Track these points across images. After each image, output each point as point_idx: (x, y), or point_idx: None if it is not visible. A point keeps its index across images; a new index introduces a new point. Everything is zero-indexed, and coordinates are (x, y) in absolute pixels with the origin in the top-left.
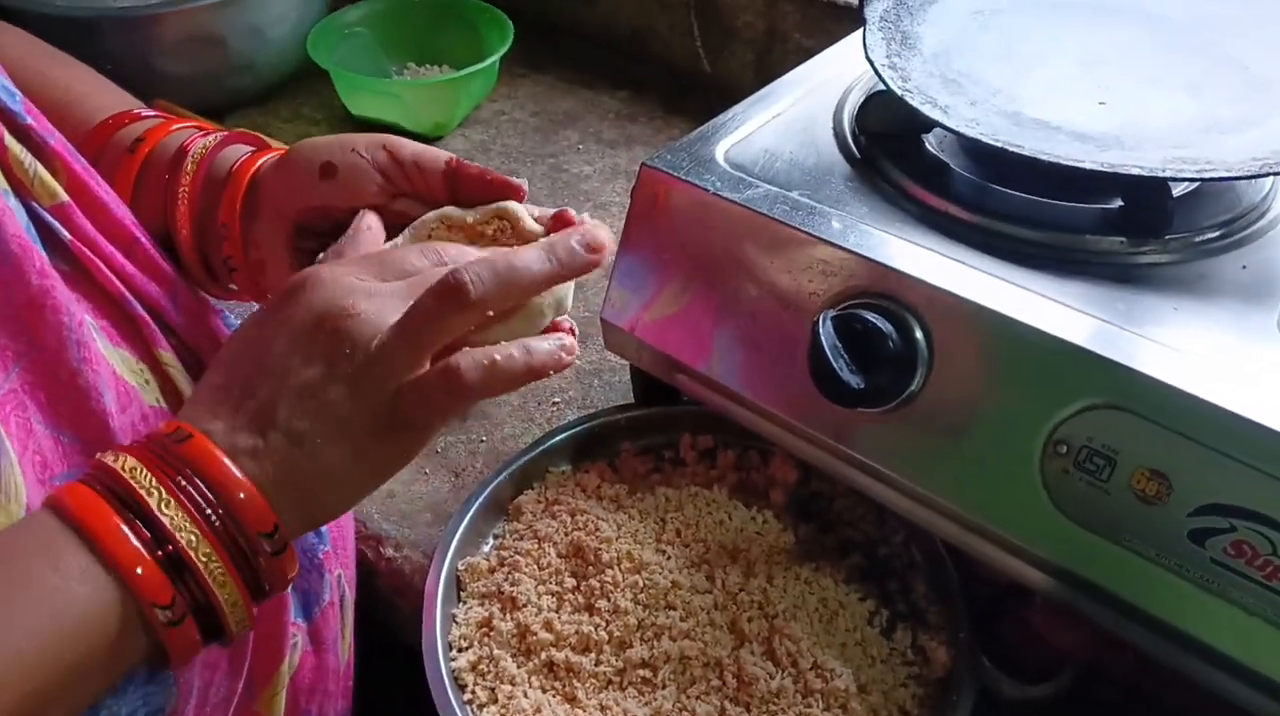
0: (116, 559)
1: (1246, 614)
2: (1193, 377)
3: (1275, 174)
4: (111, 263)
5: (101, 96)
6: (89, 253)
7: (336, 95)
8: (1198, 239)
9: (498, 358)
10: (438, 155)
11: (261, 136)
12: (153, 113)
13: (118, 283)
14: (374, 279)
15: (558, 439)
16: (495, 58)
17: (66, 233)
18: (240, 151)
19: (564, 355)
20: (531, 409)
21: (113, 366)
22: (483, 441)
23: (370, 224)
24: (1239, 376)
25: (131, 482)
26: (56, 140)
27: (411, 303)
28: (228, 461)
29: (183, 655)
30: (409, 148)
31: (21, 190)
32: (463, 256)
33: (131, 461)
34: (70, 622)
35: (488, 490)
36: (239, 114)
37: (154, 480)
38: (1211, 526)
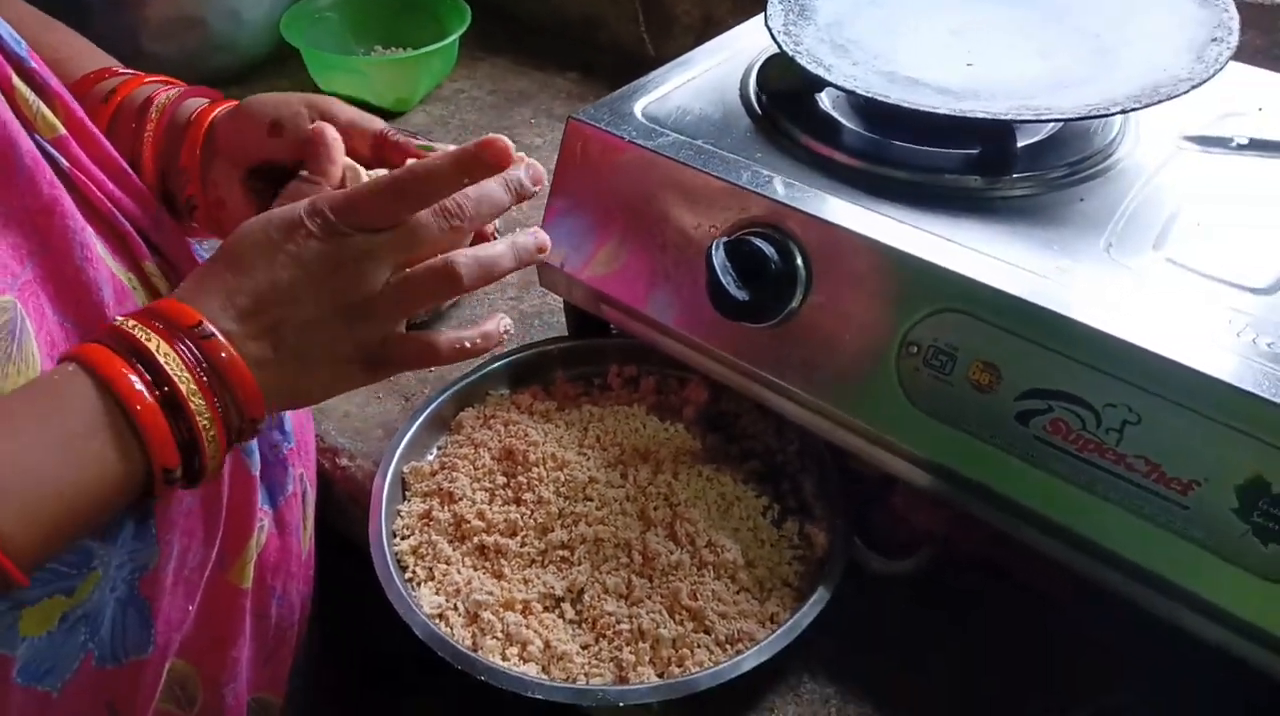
0: (122, 393)
1: (1064, 482)
2: (1019, 283)
3: (1099, 116)
4: (103, 188)
5: (85, 57)
6: (84, 179)
7: (308, 73)
8: (1048, 177)
9: (466, 343)
10: (371, 122)
11: (216, 91)
12: (127, 70)
13: (109, 204)
14: (367, 224)
15: (497, 365)
16: (454, 37)
17: (65, 161)
18: (199, 102)
19: (545, 243)
20: None
21: (110, 268)
22: (431, 371)
23: (333, 136)
24: (1059, 283)
25: (138, 337)
26: (55, 83)
27: (405, 264)
28: (246, 368)
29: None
30: (345, 113)
31: (26, 124)
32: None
33: (145, 332)
34: (79, 442)
35: (432, 406)
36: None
37: (161, 342)
38: (1033, 408)
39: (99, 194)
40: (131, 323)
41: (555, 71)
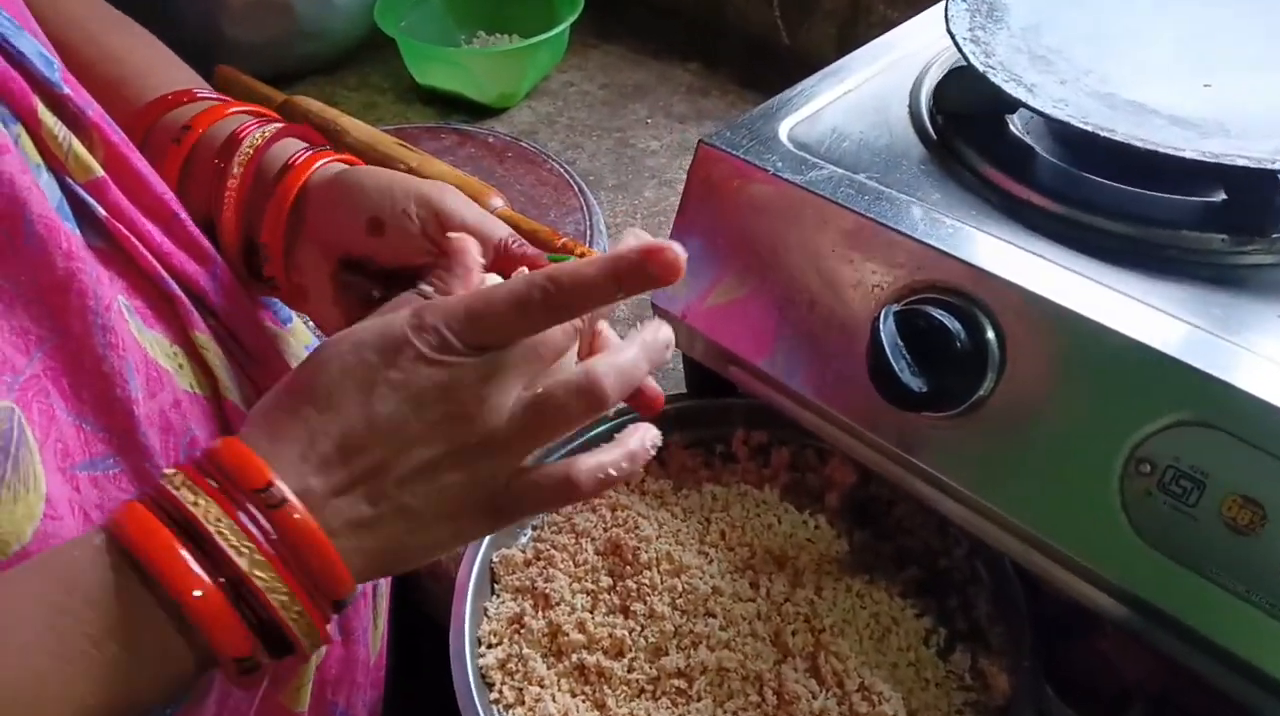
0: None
1: None
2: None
3: None
4: (148, 240)
5: (158, 72)
6: (124, 229)
7: (404, 64)
8: None
9: (612, 472)
10: (494, 229)
11: (316, 134)
12: (210, 94)
13: (154, 261)
14: (491, 343)
15: (602, 428)
16: (564, 26)
17: (102, 209)
18: (291, 149)
19: (671, 338)
20: None
21: (145, 349)
22: None
23: (475, 257)
24: None
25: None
26: (95, 111)
27: (534, 388)
28: (325, 538)
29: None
30: (459, 217)
31: (55, 165)
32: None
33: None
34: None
35: None
36: (306, 82)
37: (214, 507)
38: None
39: (141, 248)
40: (180, 479)
41: (675, 62)
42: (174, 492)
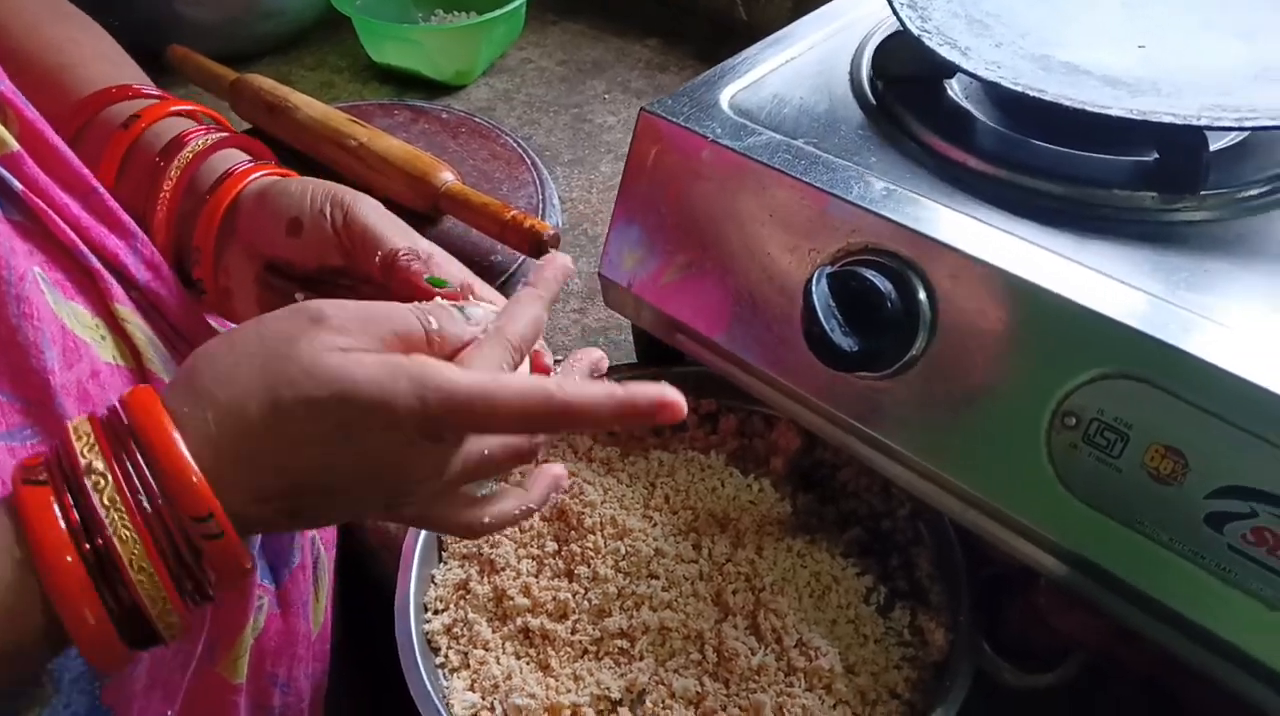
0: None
1: (1267, 607)
2: (1218, 347)
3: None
4: (65, 213)
5: (100, 64)
6: (41, 203)
7: (360, 43)
8: (1239, 196)
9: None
10: (388, 239)
11: (262, 146)
12: (154, 92)
13: (72, 233)
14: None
15: None
16: (520, 2)
17: (18, 182)
18: (234, 161)
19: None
20: None
21: (63, 320)
22: None
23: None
24: (1272, 347)
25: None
26: (6, 87)
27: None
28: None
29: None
30: (364, 219)
31: None
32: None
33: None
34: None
35: None
36: (262, 62)
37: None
38: (1231, 510)
39: (59, 221)
40: (91, 444)
41: (635, 38)
42: (79, 455)
